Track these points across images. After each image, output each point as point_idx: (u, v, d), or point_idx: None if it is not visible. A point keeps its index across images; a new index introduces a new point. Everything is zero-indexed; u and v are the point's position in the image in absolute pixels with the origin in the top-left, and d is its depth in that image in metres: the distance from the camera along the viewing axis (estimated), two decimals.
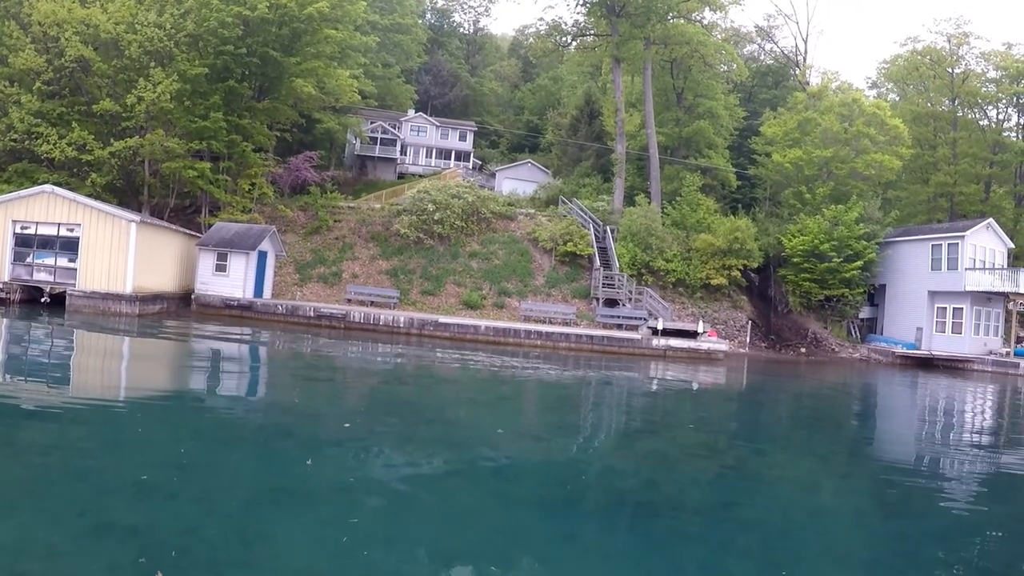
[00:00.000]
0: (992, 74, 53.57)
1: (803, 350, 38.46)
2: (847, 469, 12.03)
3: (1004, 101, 53.78)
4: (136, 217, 28.33)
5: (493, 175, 60.91)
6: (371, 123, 61.76)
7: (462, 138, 68.31)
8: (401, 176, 62.33)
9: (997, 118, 55.98)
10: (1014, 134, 55.33)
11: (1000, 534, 8.59)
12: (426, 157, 66.87)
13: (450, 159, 66.94)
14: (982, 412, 22.78)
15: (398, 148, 64.19)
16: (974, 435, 17.46)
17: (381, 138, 63.16)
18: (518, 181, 57.01)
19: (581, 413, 16.05)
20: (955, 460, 13.46)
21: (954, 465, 13.00)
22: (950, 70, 53.70)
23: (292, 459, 9.11)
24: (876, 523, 8.77)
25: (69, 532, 6.12)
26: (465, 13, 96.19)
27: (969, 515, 9.31)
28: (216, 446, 9.60)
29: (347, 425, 11.39)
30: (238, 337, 24.49)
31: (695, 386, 23.20)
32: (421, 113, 69.11)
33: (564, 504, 8.31)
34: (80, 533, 6.12)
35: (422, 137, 67.04)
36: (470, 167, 65.83)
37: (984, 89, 53.60)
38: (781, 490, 9.87)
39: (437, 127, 67.48)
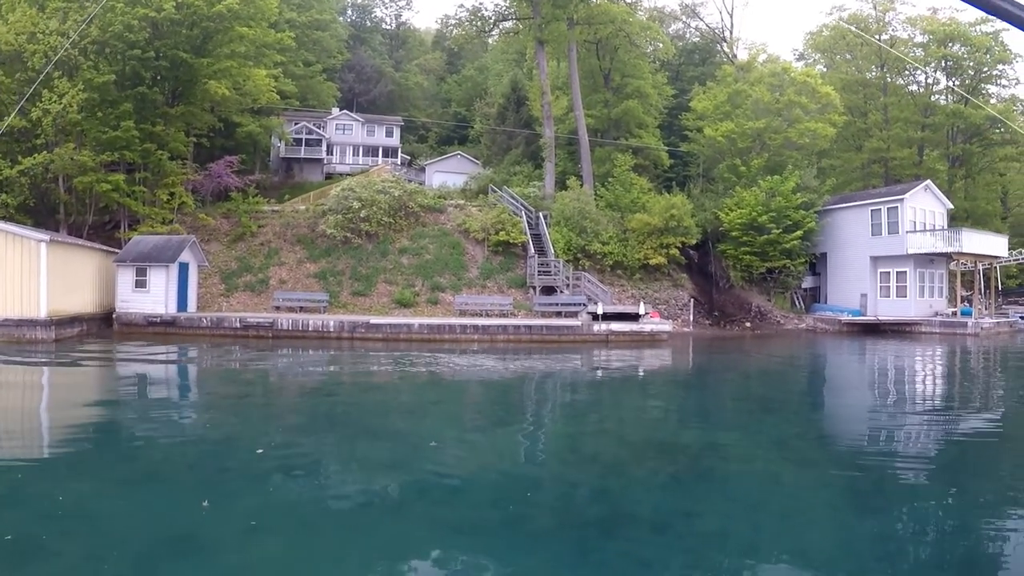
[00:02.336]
0: (919, 39, 54.07)
1: (748, 324, 37.88)
2: (811, 456, 10.84)
3: (932, 65, 54.29)
4: (45, 236, 25.94)
5: (423, 170, 59.39)
6: (295, 124, 59.31)
7: (389, 134, 66.39)
8: (329, 176, 59.88)
9: (926, 82, 56.60)
10: (943, 97, 56.00)
11: (983, 518, 7.62)
12: (353, 156, 64.69)
13: (378, 156, 64.83)
14: (938, 376, 22.25)
15: (324, 148, 61.88)
16: (936, 403, 16.75)
17: (306, 139, 60.74)
18: (448, 174, 55.40)
19: (520, 415, 14.62)
20: (921, 433, 12.53)
21: (921, 439, 12.05)
22: (877, 37, 53.88)
23: (191, 500, 7.55)
24: (852, 521, 7.56)
25: None
26: (387, 8, 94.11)
27: (952, 500, 8.17)
28: (107, 490, 8.02)
29: (259, 451, 9.81)
30: (151, 357, 22.26)
31: (640, 373, 22.10)
32: (346, 111, 66.86)
33: (504, 530, 6.96)
34: None
35: (348, 136, 64.85)
36: (399, 163, 63.90)
37: (912, 54, 54.00)
38: (744, 490, 8.58)
39: (363, 124, 65.39)
